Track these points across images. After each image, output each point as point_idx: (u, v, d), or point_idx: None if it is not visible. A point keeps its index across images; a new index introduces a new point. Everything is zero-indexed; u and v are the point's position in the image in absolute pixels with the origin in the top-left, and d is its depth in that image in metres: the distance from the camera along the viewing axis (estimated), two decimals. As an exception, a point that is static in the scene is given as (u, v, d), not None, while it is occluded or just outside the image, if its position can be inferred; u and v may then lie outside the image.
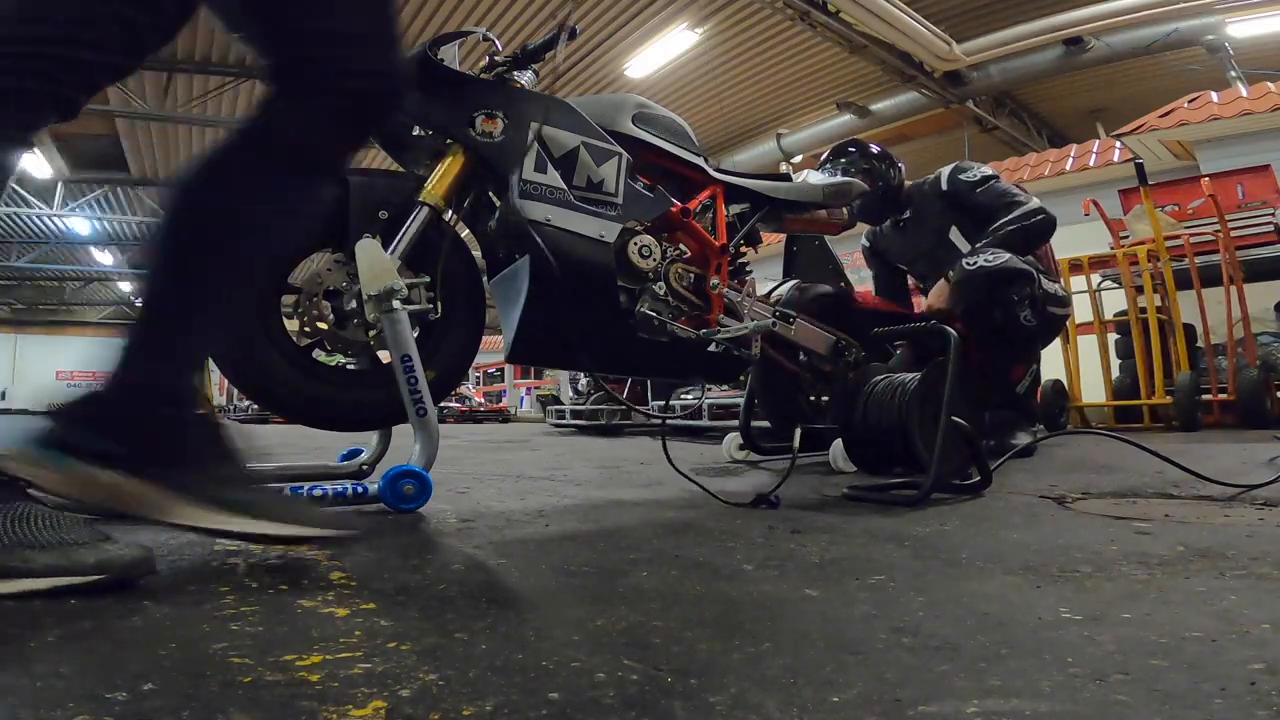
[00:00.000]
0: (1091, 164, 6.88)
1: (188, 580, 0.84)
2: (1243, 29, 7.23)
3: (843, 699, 0.50)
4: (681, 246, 1.93)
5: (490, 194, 1.72)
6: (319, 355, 1.58)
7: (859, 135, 9.32)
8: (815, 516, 1.31)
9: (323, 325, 1.54)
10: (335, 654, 0.59)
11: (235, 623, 0.67)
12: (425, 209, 1.57)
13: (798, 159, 10.26)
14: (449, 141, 1.65)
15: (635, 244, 1.80)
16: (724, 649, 0.61)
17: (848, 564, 0.93)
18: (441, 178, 1.61)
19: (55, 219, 13.55)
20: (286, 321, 1.57)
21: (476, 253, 1.82)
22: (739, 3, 7.54)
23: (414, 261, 1.61)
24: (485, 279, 1.85)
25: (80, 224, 14.17)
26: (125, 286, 19.99)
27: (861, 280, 5.72)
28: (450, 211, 1.66)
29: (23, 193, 12.08)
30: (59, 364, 21.69)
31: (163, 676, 0.54)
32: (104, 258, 16.67)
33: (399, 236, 1.54)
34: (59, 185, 11.97)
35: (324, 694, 0.51)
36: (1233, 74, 7.26)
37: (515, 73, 1.79)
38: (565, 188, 1.67)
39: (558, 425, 6.56)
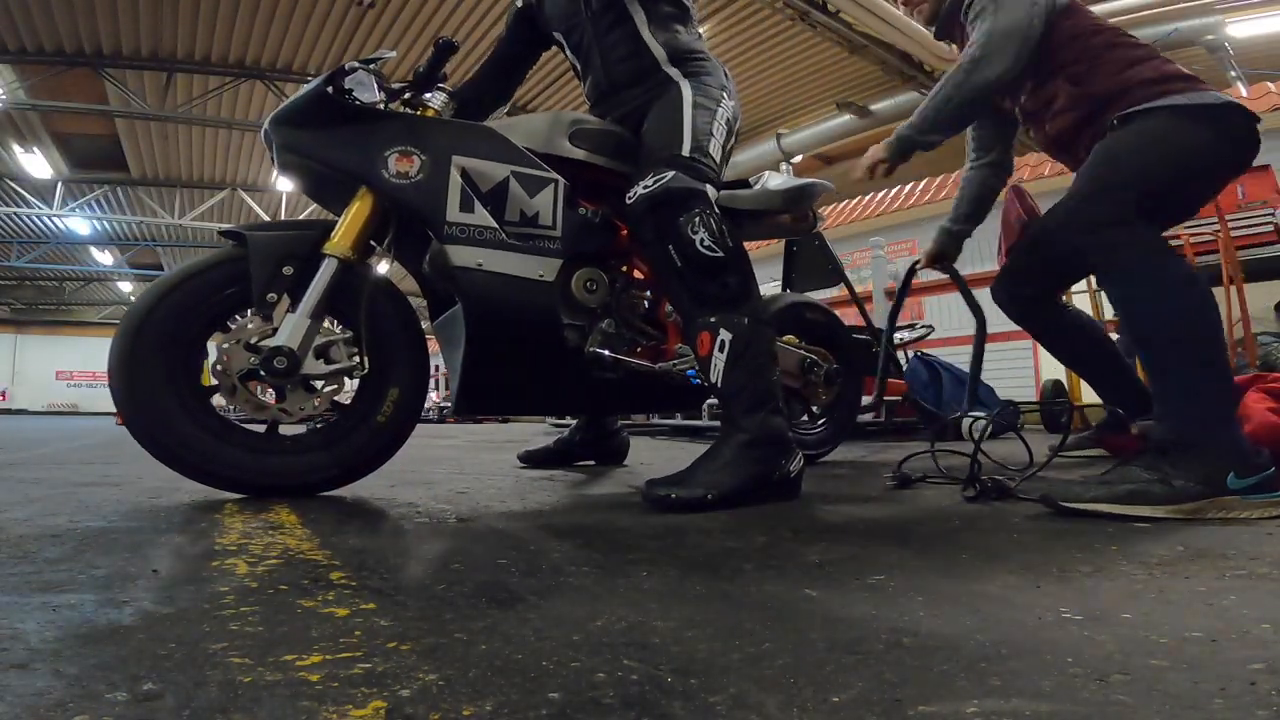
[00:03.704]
0: (1092, 164, 6.88)
1: (188, 580, 0.84)
2: (1243, 29, 7.23)
3: (843, 699, 0.50)
4: (634, 273, 1.80)
5: (421, 224, 1.59)
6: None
7: (859, 135, 9.36)
8: (815, 516, 1.31)
9: (262, 411, 1.48)
10: (335, 654, 0.59)
11: (235, 623, 0.67)
12: (333, 261, 1.48)
13: (798, 159, 10.25)
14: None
15: (580, 278, 1.67)
16: (724, 649, 0.60)
17: (848, 564, 0.93)
18: (349, 227, 1.51)
19: (55, 219, 13.57)
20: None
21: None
22: (739, 2, 7.54)
23: (336, 311, 1.53)
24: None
25: (80, 224, 14.19)
26: (125, 286, 20.00)
27: (861, 281, 5.72)
28: (365, 256, 1.56)
29: (22, 193, 12.09)
30: (59, 364, 21.74)
31: (163, 676, 0.54)
32: (104, 258, 16.67)
33: (308, 292, 1.46)
34: (59, 185, 11.98)
35: (324, 694, 0.51)
36: (1233, 74, 7.27)
37: (426, 96, 1.66)
38: (497, 226, 1.53)
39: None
